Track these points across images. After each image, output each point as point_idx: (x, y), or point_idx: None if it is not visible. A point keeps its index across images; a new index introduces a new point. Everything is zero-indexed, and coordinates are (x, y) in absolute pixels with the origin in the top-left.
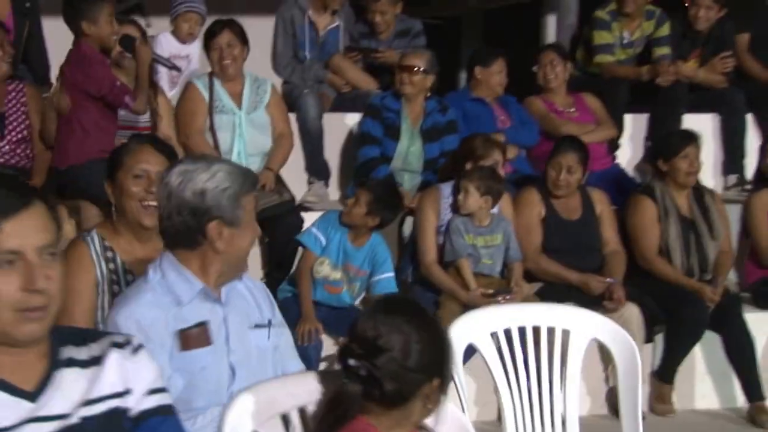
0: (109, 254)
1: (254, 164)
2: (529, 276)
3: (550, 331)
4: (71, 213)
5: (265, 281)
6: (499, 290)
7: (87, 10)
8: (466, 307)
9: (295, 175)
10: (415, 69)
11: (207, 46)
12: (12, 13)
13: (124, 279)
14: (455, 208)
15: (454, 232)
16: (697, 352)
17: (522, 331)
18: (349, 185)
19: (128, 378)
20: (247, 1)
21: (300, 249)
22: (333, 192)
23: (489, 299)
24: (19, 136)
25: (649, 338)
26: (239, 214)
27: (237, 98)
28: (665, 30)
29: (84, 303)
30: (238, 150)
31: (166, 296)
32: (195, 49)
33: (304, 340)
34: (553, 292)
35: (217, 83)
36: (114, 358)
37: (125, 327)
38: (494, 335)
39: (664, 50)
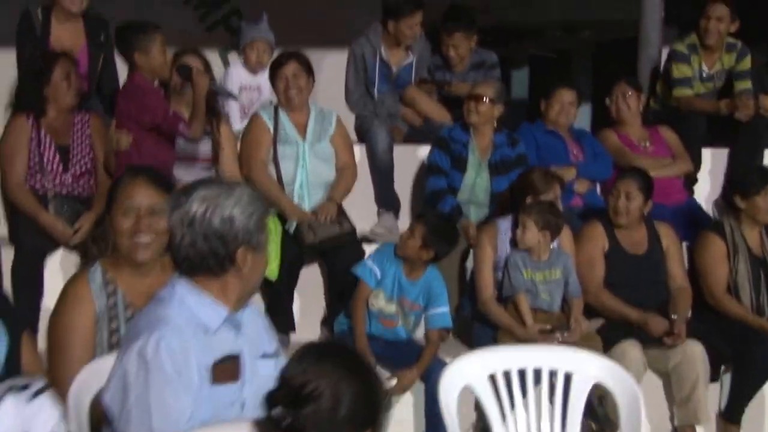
0: (111, 288)
1: (317, 195)
2: (591, 312)
3: (552, 374)
4: None
5: (326, 313)
6: (557, 327)
7: (139, 42)
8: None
9: (364, 206)
10: (483, 99)
11: (273, 76)
12: (87, 45)
13: (123, 315)
14: (514, 243)
15: (513, 267)
16: (767, 391)
17: (522, 373)
18: None
19: (26, 423)
20: (318, 33)
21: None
22: (404, 224)
23: (546, 336)
24: (83, 169)
25: (715, 377)
26: (262, 238)
27: (301, 129)
28: (746, 64)
29: (82, 339)
30: (300, 180)
31: (190, 324)
32: (266, 79)
33: None
34: (614, 329)
35: (282, 114)
36: (10, 403)
37: (164, 356)
38: (493, 377)
39: (745, 84)
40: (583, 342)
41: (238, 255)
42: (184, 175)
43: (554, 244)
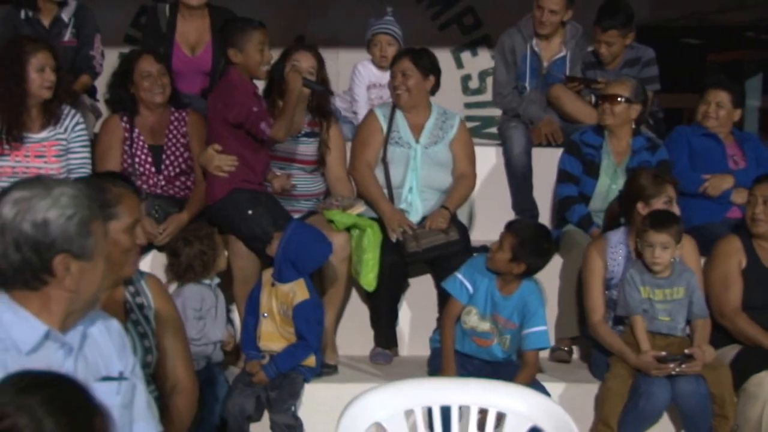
0: None
1: (429, 201)
2: (721, 337)
3: (482, 413)
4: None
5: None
6: (675, 355)
7: (235, 38)
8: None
9: (500, 214)
10: (618, 98)
11: (390, 73)
12: (211, 41)
13: None
14: (628, 257)
15: (628, 284)
16: None
17: (446, 411)
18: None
19: None
20: None
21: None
22: None
23: (662, 366)
24: (177, 170)
25: None
26: (89, 244)
27: (417, 131)
28: None
29: None
30: (410, 185)
31: (4, 343)
32: None
33: None
34: (752, 357)
35: (398, 113)
36: None
37: None
38: (410, 414)
39: None
40: (708, 372)
41: (55, 264)
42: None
43: (676, 257)
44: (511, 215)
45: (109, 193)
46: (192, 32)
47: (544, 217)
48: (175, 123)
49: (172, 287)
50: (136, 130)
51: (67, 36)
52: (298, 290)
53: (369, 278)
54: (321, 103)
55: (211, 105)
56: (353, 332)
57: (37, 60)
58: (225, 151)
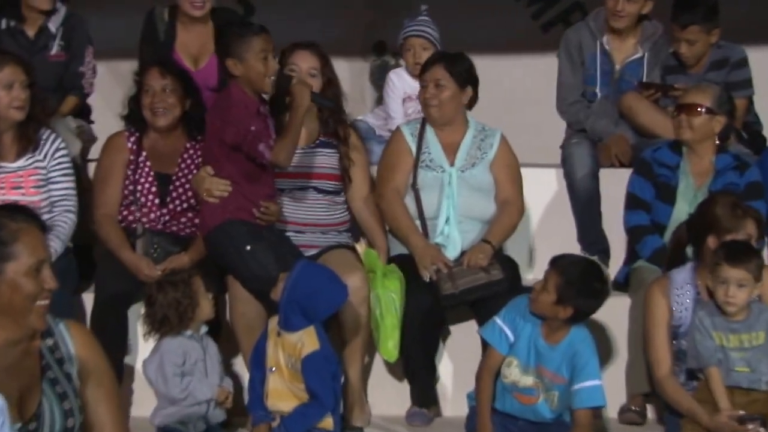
0: None
1: (469, 233)
2: None
3: None
4: (213, 287)
5: None
6: (756, 414)
7: (233, 46)
8: None
9: (563, 247)
10: (698, 108)
11: (420, 82)
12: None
13: None
14: (697, 300)
15: (698, 331)
16: None
17: None
18: None
19: None
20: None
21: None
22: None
23: (741, 427)
24: (185, 204)
25: None
26: None
27: (451, 151)
28: None
29: None
30: (446, 214)
31: None
32: None
33: None
34: None
35: (429, 131)
36: None
37: None
38: None
39: None
40: None
41: None
42: (288, 203)
43: (753, 298)
44: (576, 249)
45: (4, 229)
46: (194, 41)
47: (617, 252)
48: (191, 151)
49: (151, 341)
50: (143, 154)
51: (55, 49)
52: (306, 340)
53: (388, 347)
54: (337, 114)
55: (208, 122)
56: (387, 388)
57: (3, 75)
58: (218, 175)
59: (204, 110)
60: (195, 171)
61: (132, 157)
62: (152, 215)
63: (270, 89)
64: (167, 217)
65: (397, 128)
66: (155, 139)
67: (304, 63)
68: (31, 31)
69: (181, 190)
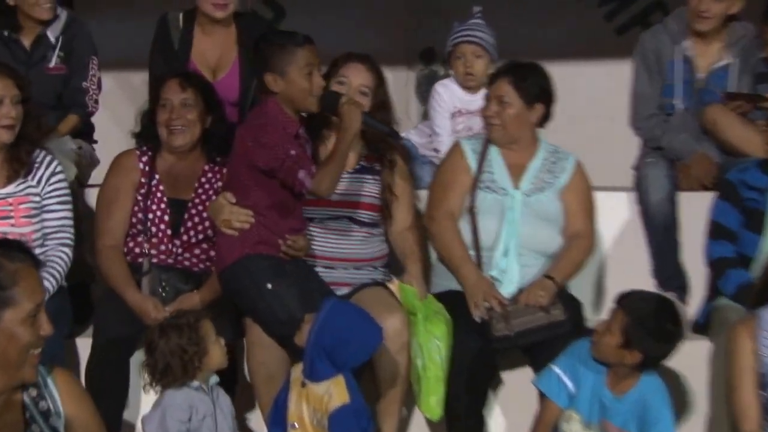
0: None
1: (529, 267)
2: None
3: None
4: (229, 331)
5: None
6: None
7: (274, 59)
8: None
9: (634, 283)
10: None
11: (485, 97)
12: (239, 61)
13: None
14: None
15: None
16: None
17: None
18: None
19: None
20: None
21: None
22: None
23: None
24: (201, 236)
25: None
26: None
27: (517, 173)
28: None
29: None
30: (505, 244)
31: None
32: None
33: None
34: None
35: (493, 149)
36: None
37: None
38: None
39: None
40: None
41: None
42: (318, 234)
43: None
44: (650, 285)
45: (2, 270)
46: (213, 49)
47: (697, 289)
48: (210, 174)
49: (153, 393)
50: (156, 177)
51: (54, 60)
52: (335, 391)
53: (431, 403)
54: (378, 137)
55: (237, 142)
56: None
57: None
58: (241, 203)
59: (226, 128)
60: (214, 197)
61: (143, 180)
62: (162, 247)
63: (314, 108)
64: (180, 249)
65: (457, 142)
66: (170, 160)
67: (357, 78)
68: (27, 41)
69: (197, 219)
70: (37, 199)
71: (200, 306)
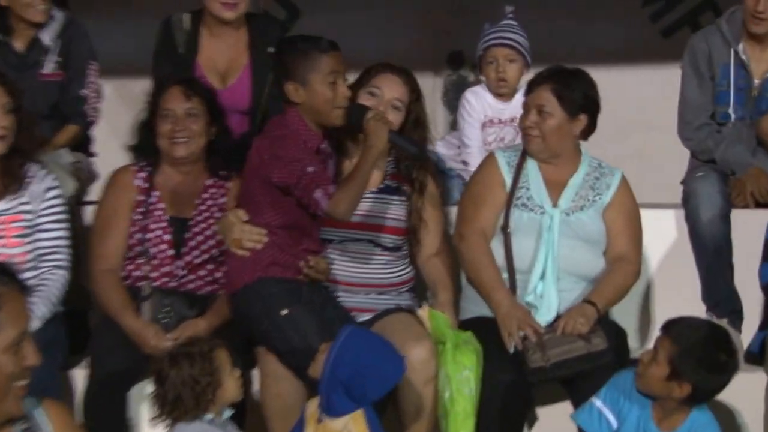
0: None
1: (568, 292)
2: None
3: None
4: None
5: None
6: None
7: (295, 66)
8: None
9: (682, 307)
10: None
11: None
12: (250, 66)
13: None
14: None
15: None
16: None
17: None
18: None
19: None
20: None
21: None
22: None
23: None
24: (206, 256)
25: None
26: None
27: (556, 190)
28: None
29: None
30: (542, 267)
31: None
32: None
33: None
34: None
35: (530, 163)
36: None
37: None
38: None
39: None
40: None
41: None
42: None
43: None
44: (700, 311)
45: None
46: (222, 53)
47: (752, 315)
48: (213, 190)
49: (163, 428)
50: (155, 194)
51: (49, 66)
52: (354, 428)
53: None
54: (406, 156)
55: (254, 153)
56: None
57: None
58: (253, 221)
59: (230, 140)
60: (216, 213)
61: (141, 198)
62: (165, 269)
63: (339, 121)
64: (183, 271)
65: (491, 154)
66: (170, 175)
67: (390, 91)
68: (20, 45)
69: (201, 237)
70: (31, 216)
71: (205, 332)
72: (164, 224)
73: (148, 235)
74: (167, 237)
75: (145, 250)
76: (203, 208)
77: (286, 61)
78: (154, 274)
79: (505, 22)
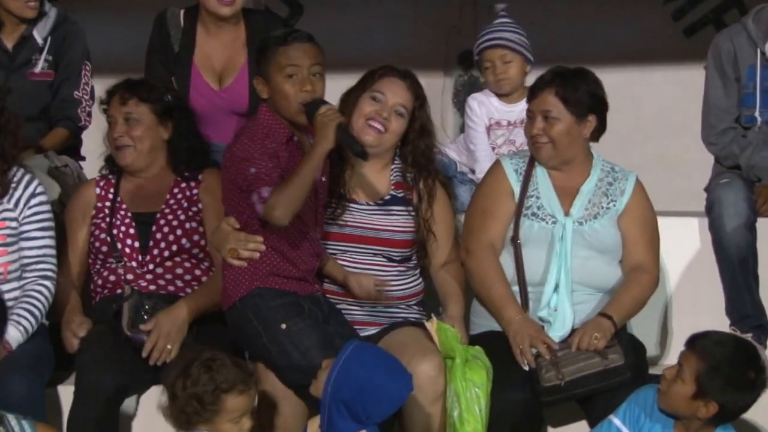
0: None
1: (583, 305)
2: None
3: None
4: None
5: None
6: None
7: (260, 61)
8: None
9: (705, 322)
10: None
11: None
12: (248, 65)
13: None
14: None
15: None
16: None
17: None
18: None
19: None
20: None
21: None
22: None
23: None
24: (174, 247)
25: None
26: None
27: (567, 197)
28: None
29: None
30: (555, 280)
31: None
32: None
33: None
34: None
35: (539, 170)
36: None
37: None
38: None
39: None
40: None
41: None
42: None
43: None
44: (724, 325)
45: None
46: (219, 52)
47: None
48: (183, 185)
49: None
50: (119, 198)
51: (40, 65)
52: None
53: None
54: (417, 155)
55: (227, 155)
56: None
57: None
58: (245, 230)
59: (195, 138)
60: (186, 204)
61: (100, 204)
62: (134, 263)
63: (303, 119)
64: (151, 266)
65: (497, 161)
66: (134, 181)
67: (394, 96)
68: (9, 42)
69: (167, 229)
70: (15, 224)
71: (185, 321)
72: (128, 220)
73: (114, 231)
74: (132, 231)
75: (113, 249)
76: (172, 202)
77: (258, 56)
78: (130, 276)
79: (497, 21)
